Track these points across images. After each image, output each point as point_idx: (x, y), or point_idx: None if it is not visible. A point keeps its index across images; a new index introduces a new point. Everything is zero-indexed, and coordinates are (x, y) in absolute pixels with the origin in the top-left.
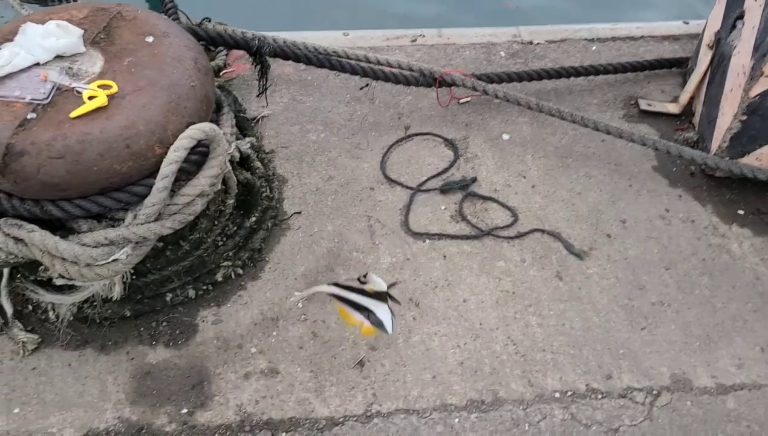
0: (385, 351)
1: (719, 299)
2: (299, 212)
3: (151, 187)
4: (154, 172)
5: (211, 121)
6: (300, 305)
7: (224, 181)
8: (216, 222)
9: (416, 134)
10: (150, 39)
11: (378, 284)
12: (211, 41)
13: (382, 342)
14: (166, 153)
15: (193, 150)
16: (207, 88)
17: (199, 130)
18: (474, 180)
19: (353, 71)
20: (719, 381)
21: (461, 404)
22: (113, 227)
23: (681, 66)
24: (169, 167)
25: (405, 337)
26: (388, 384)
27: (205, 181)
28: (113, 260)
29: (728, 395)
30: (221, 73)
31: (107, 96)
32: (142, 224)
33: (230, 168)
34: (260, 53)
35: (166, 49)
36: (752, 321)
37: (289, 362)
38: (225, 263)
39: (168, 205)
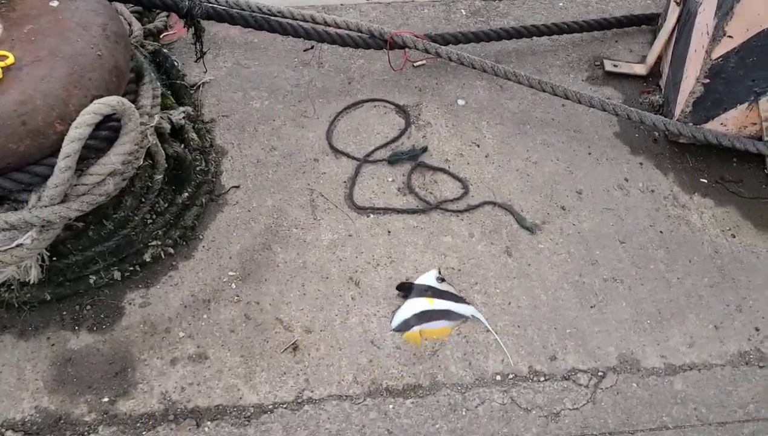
0: (321, 334)
1: (675, 274)
2: (238, 186)
3: (53, 166)
4: (57, 151)
5: (129, 93)
6: (233, 285)
7: (151, 156)
8: (143, 199)
9: (366, 100)
10: (55, 3)
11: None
12: (137, 2)
13: (317, 324)
14: (68, 130)
15: (102, 125)
16: (118, 57)
17: (105, 104)
18: (424, 150)
19: (296, 33)
20: (668, 361)
21: (397, 389)
22: (15, 210)
23: (651, 23)
24: (70, 146)
25: (342, 318)
26: (321, 369)
27: (116, 158)
28: (17, 246)
29: (676, 375)
30: (161, 36)
31: (1, 68)
32: (46, 206)
33: (157, 141)
34: (191, 15)
35: (71, 14)
36: (708, 297)
37: (219, 347)
38: (154, 243)
39: (75, 185)
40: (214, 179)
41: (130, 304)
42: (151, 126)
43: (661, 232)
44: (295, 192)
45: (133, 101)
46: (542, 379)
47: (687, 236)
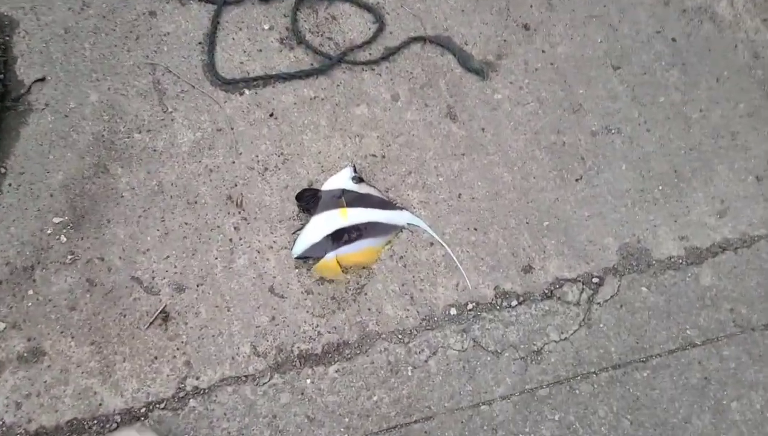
0: (199, 291)
1: (695, 106)
2: (43, 79)
3: None
4: None
5: None
6: (63, 237)
7: None
8: None
9: None
10: None
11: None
12: None
13: (191, 277)
14: None
15: None
16: None
17: None
18: None
19: None
20: (691, 244)
21: (314, 354)
22: None
23: None
24: None
25: (225, 261)
26: (206, 343)
27: None
28: None
29: (703, 264)
30: None
31: None
32: None
33: None
34: None
35: None
36: (745, 133)
37: (59, 335)
38: None
39: None
40: (3, 73)
41: None
42: None
43: (673, 39)
44: (130, 73)
45: None
46: (514, 303)
47: (712, 38)
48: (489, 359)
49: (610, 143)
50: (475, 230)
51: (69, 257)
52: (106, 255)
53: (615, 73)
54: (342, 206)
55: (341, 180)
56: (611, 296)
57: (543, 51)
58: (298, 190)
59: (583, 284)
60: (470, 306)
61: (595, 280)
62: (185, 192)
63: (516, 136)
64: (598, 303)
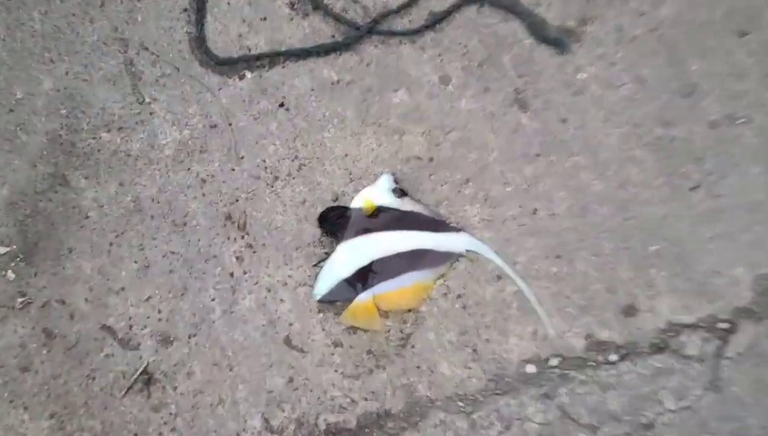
0: (190, 343)
1: None
2: None
3: None
4: None
5: None
6: (10, 273)
7: None
8: None
9: None
10: None
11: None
12: None
13: (181, 325)
14: None
15: None
16: None
17: None
18: None
19: None
20: None
21: (348, 429)
22: None
23: None
24: None
25: (226, 303)
26: (201, 415)
27: None
28: None
29: None
30: None
31: None
32: None
33: None
34: None
35: None
36: None
37: (7, 405)
38: None
39: None
40: None
41: None
42: None
43: None
44: (94, 51)
45: None
46: (614, 358)
47: None
48: (582, 435)
49: (736, 138)
50: (558, 257)
51: (19, 300)
52: (68, 297)
53: (741, 42)
54: (379, 229)
55: (377, 193)
56: (746, 348)
57: (642, 13)
58: (319, 208)
59: (706, 330)
60: (554, 362)
61: (723, 325)
62: (170, 210)
63: (608, 129)
64: (729, 358)
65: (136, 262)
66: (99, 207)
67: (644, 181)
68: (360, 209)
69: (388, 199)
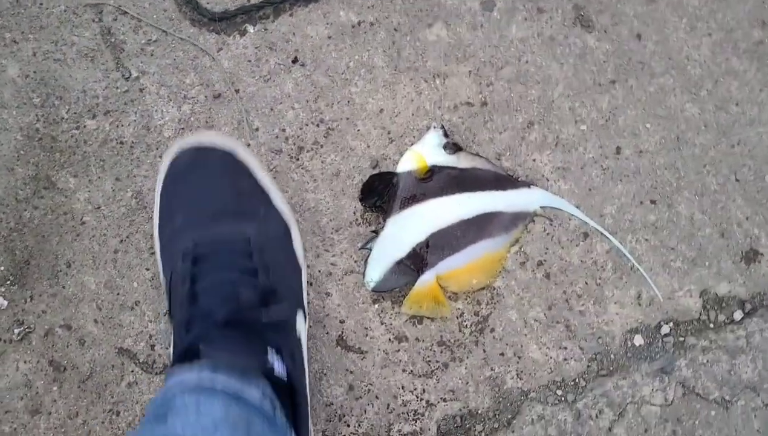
0: None
1: None
2: None
3: None
4: None
5: None
6: (1, 301)
7: None
8: None
9: None
10: None
11: None
12: None
13: None
14: None
15: None
16: None
17: None
18: None
19: None
20: None
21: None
22: None
23: None
24: None
25: None
26: None
27: None
28: None
29: None
30: None
31: None
32: None
33: None
34: None
35: None
36: None
37: None
38: None
39: None
40: None
41: None
42: None
43: None
44: (63, 24)
45: None
46: (738, 316)
47: None
48: (714, 413)
49: None
50: (653, 203)
51: (16, 330)
52: (74, 320)
53: None
54: (434, 195)
55: (426, 152)
56: None
57: None
58: (358, 178)
59: None
60: (666, 329)
61: None
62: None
63: (694, 40)
64: None
65: (148, 269)
66: (95, 209)
67: (748, 97)
68: (409, 173)
69: (441, 157)
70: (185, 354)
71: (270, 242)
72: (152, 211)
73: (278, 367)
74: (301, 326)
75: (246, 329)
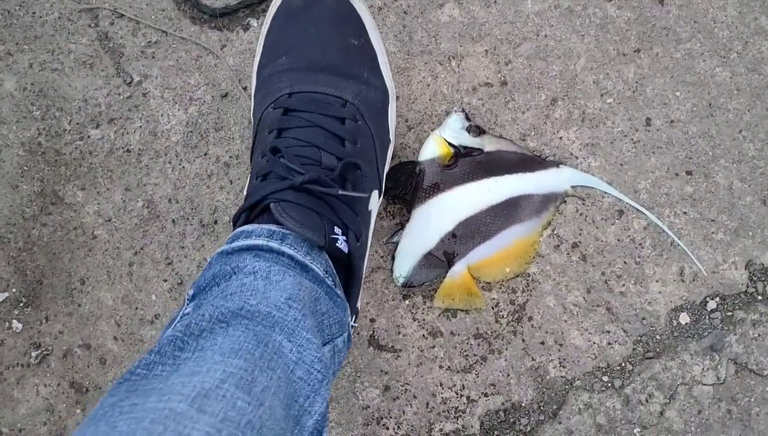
0: None
1: None
2: None
3: None
4: None
5: None
6: (16, 324)
7: None
8: None
9: None
10: None
11: None
12: None
13: None
14: None
15: None
16: None
17: None
18: None
19: None
20: None
21: (472, 435)
22: None
23: None
24: None
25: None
26: None
27: None
28: None
29: None
30: None
31: None
32: None
33: None
34: None
35: None
36: None
37: None
38: None
39: None
40: None
41: None
42: None
43: None
44: (58, 31)
45: None
46: None
47: None
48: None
49: None
50: (689, 174)
51: (34, 354)
52: (93, 338)
53: None
54: (460, 181)
55: (449, 136)
56: None
57: None
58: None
59: None
60: (713, 305)
61: None
62: (194, 209)
63: (720, 0)
64: None
65: (165, 280)
66: (106, 222)
67: None
68: (432, 161)
69: (465, 142)
70: (255, 207)
71: (366, 110)
72: (255, 52)
73: (341, 244)
74: (374, 203)
75: (319, 199)
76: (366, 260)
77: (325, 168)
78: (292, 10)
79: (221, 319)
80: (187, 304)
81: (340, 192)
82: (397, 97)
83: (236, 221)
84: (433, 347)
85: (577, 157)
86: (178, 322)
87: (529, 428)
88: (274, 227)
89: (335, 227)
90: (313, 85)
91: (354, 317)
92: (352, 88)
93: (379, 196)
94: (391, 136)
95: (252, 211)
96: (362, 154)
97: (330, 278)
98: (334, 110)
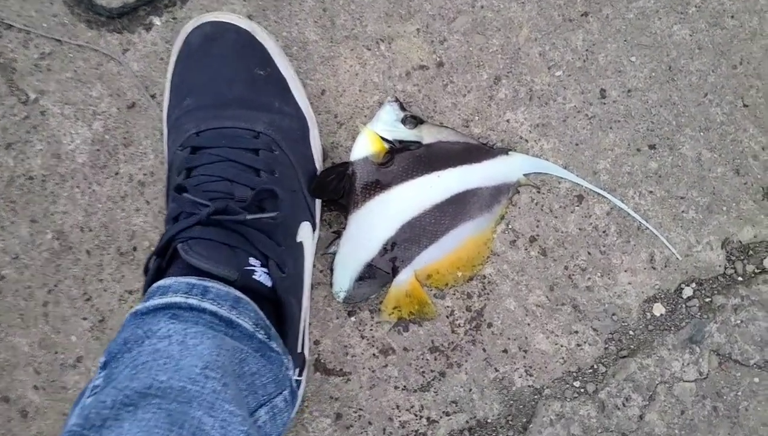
0: None
1: None
2: None
3: None
4: None
5: None
6: None
7: None
8: None
9: None
10: None
11: None
12: None
13: None
14: None
15: None
16: None
17: None
18: None
19: None
20: None
21: None
22: None
23: None
24: None
25: None
26: None
27: None
28: None
29: None
30: None
31: None
32: None
33: None
34: None
35: None
36: None
37: None
38: None
39: None
40: None
41: None
42: None
43: None
44: None
45: None
46: None
47: None
48: (757, 379)
49: None
50: (652, 147)
51: None
52: (10, 390)
53: None
54: (398, 179)
55: (382, 130)
56: None
57: None
58: (311, 175)
59: None
60: (689, 291)
61: None
62: (110, 237)
63: None
64: None
65: (85, 318)
66: (13, 260)
67: (744, 7)
68: (365, 160)
69: (401, 135)
70: (165, 253)
71: (283, 140)
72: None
73: (260, 276)
74: (306, 235)
75: (232, 231)
76: (305, 296)
77: (239, 200)
78: (193, 49)
79: (127, 402)
80: (99, 373)
81: (248, 216)
82: (322, 92)
83: (146, 270)
84: (386, 366)
85: (527, 141)
86: (79, 409)
87: None
88: (194, 280)
89: (250, 258)
90: (221, 121)
91: (298, 369)
92: (263, 119)
93: (314, 230)
94: (318, 166)
95: (164, 257)
96: (281, 183)
97: (262, 332)
98: (246, 142)
